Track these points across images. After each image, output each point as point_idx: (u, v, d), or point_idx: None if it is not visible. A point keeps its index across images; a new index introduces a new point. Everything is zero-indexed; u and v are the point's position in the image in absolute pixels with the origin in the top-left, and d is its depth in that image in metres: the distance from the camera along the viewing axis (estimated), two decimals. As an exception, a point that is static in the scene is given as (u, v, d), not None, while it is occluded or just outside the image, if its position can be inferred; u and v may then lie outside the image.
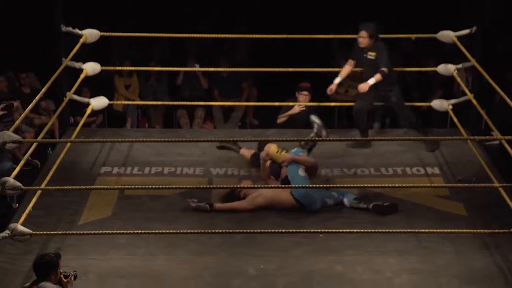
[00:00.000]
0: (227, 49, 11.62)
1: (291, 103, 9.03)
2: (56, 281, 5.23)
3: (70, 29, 8.45)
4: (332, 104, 9.51)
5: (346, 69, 8.71)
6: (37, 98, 7.04)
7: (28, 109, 6.82)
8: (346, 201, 7.29)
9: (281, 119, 9.05)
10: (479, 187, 7.14)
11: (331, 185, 7.61)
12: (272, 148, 7.59)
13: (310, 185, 7.22)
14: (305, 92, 8.99)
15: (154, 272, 6.24)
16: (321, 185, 7.44)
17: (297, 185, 7.20)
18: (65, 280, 5.24)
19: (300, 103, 8.95)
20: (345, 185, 7.64)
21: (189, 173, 8.05)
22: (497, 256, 6.41)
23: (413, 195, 7.41)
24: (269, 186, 7.42)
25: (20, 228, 6.10)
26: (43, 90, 7.27)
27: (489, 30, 8.94)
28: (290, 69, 8.85)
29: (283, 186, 7.35)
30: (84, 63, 8.53)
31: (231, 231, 6.68)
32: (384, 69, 8.30)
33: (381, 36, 8.52)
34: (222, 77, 11.04)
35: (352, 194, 7.35)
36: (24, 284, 5.34)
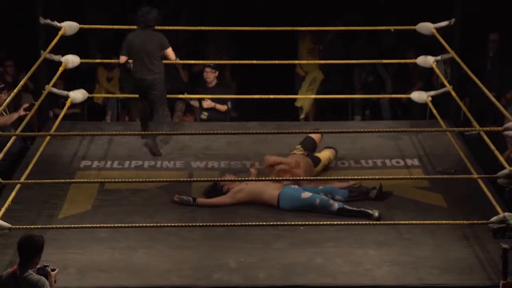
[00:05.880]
0: (206, 41, 11.57)
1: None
2: (38, 264, 5.16)
3: (49, 21, 8.39)
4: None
5: None
6: (15, 90, 7.01)
7: (8, 100, 6.77)
8: (336, 207, 7.08)
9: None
10: (458, 178, 7.17)
11: (313, 178, 7.58)
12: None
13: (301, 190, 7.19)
14: (208, 69, 9.56)
15: (134, 265, 6.22)
16: (304, 178, 7.37)
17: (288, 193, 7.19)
18: (52, 273, 5.19)
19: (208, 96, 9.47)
20: (326, 178, 7.65)
21: (169, 167, 8.04)
22: (476, 247, 6.45)
23: (393, 187, 7.44)
24: (252, 179, 7.44)
25: (-1, 222, 6.07)
26: (22, 82, 7.23)
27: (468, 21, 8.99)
28: (265, 62, 8.85)
29: (265, 179, 7.37)
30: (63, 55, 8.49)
31: (211, 224, 6.67)
32: None
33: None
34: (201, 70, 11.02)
35: (340, 198, 7.23)
36: (7, 269, 5.27)
